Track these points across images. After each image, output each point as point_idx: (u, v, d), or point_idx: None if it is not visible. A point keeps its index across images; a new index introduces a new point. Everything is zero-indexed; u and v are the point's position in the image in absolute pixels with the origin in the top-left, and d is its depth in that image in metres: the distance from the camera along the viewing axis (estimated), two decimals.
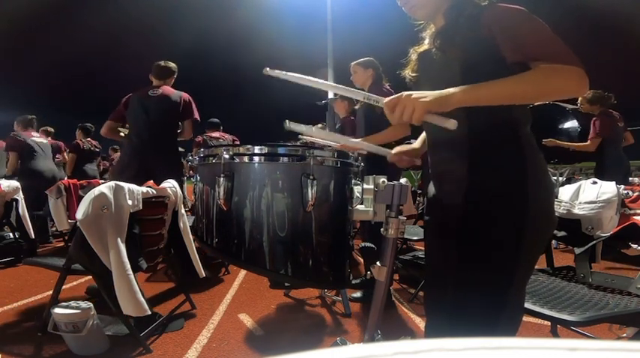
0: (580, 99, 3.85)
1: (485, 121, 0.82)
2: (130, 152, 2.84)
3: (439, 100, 0.79)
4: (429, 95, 0.79)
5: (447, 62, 0.91)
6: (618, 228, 1.64)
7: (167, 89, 2.89)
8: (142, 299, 1.71)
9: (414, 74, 1.07)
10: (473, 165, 0.90)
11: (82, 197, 1.71)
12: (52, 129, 5.10)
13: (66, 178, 5.23)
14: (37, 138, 4.30)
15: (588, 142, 3.76)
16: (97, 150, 5.34)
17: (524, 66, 0.81)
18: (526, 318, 0.97)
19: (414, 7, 0.97)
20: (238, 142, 4.04)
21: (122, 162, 2.95)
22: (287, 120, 0.89)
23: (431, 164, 1.05)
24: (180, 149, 3.22)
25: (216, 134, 4.07)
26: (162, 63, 2.94)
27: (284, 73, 0.86)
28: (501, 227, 0.86)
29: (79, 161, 4.97)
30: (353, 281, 1.24)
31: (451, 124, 0.78)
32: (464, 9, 0.90)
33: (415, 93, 0.80)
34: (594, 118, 3.76)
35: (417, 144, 1.21)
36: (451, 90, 0.79)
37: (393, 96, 0.83)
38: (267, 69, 0.87)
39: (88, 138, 5.13)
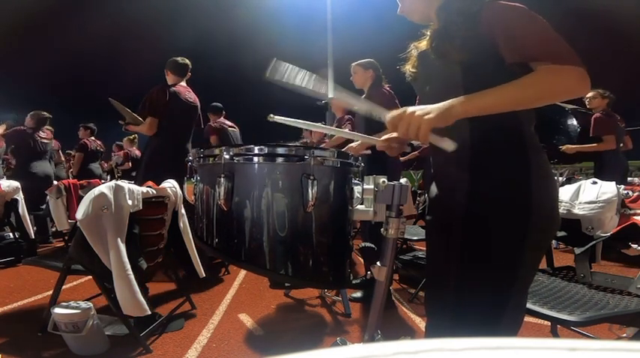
0: (592, 93, 3.71)
1: (489, 121, 0.81)
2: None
3: (443, 115, 0.78)
4: (432, 111, 0.78)
5: (447, 62, 0.90)
6: (618, 228, 1.63)
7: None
8: (142, 299, 1.71)
9: (413, 70, 1.07)
10: (476, 166, 0.89)
11: (82, 197, 1.71)
12: (52, 129, 5.11)
13: (67, 177, 5.24)
14: (43, 139, 4.29)
15: (603, 142, 3.63)
16: (102, 150, 5.34)
17: (524, 66, 0.80)
18: (526, 318, 0.96)
19: (408, 15, 1.00)
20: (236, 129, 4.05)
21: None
22: (271, 114, 0.90)
23: (433, 164, 1.04)
24: None
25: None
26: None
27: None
28: (505, 227, 0.85)
29: (86, 160, 4.98)
30: (353, 281, 1.23)
31: (450, 146, 0.80)
32: (453, 7, 0.89)
33: (418, 110, 0.79)
34: (596, 116, 3.66)
35: None
36: (453, 102, 0.79)
37: (395, 113, 0.82)
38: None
39: (93, 138, 5.14)
